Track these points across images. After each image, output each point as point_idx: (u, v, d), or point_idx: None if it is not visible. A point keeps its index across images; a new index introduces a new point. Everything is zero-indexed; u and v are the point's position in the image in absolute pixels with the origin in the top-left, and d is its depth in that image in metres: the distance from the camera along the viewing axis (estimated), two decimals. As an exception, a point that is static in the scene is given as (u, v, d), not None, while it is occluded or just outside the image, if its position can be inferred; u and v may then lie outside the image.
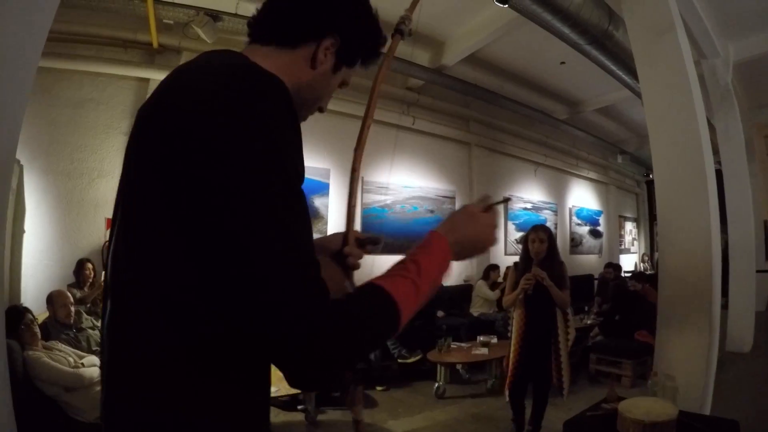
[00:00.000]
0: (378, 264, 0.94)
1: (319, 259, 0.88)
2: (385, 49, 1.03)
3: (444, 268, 0.87)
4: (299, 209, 0.71)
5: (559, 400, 3.97)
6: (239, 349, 0.71)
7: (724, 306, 4.85)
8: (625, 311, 6.32)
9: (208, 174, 0.66)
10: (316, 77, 0.90)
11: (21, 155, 4.55)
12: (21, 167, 4.56)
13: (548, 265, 3.59)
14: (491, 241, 0.97)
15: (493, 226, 0.97)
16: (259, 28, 0.91)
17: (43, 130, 4.81)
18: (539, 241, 3.62)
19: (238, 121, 0.67)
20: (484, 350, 5.27)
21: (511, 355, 3.67)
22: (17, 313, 3.30)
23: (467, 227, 0.93)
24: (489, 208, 0.98)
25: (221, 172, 0.65)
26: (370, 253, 1.07)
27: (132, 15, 4.92)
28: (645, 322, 5.67)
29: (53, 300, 3.84)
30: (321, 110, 0.98)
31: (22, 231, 4.56)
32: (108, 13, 4.88)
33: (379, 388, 5.21)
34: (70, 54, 4.87)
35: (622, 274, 9.37)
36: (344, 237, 1.04)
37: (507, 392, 3.73)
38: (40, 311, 3.95)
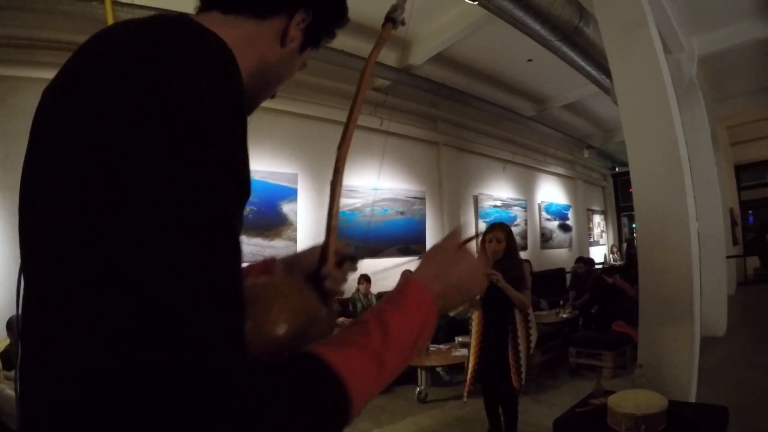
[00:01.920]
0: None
1: (289, 285, 0.72)
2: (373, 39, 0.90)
3: (425, 331, 0.63)
4: (227, 232, 0.48)
5: (543, 396, 3.96)
6: None
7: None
8: (602, 303, 6.41)
9: (88, 176, 0.45)
10: (284, 56, 0.73)
11: (-27, 170, 4.33)
12: (-26, 183, 4.33)
13: (506, 265, 3.43)
14: (481, 287, 0.77)
15: (480, 269, 0.76)
16: None
17: (-1, 143, 4.57)
18: (496, 240, 3.44)
19: (141, 91, 0.46)
20: (464, 351, 5.20)
21: (471, 357, 3.57)
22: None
23: (454, 271, 0.71)
24: (464, 244, 0.77)
25: (105, 173, 0.44)
26: (348, 271, 0.85)
27: (90, 18, 4.69)
28: (622, 313, 5.76)
29: (13, 325, 3.60)
30: (273, 96, 0.80)
31: (-22, 251, 4.31)
32: (65, 17, 4.66)
33: (360, 395, 5.10)
34: (26, 60, 4.63)
35: (595, 267, 9.50)
36: (321, 255, 0.80)
37: (465, 394, 3.61)
38: (0, 337, 3.73)
